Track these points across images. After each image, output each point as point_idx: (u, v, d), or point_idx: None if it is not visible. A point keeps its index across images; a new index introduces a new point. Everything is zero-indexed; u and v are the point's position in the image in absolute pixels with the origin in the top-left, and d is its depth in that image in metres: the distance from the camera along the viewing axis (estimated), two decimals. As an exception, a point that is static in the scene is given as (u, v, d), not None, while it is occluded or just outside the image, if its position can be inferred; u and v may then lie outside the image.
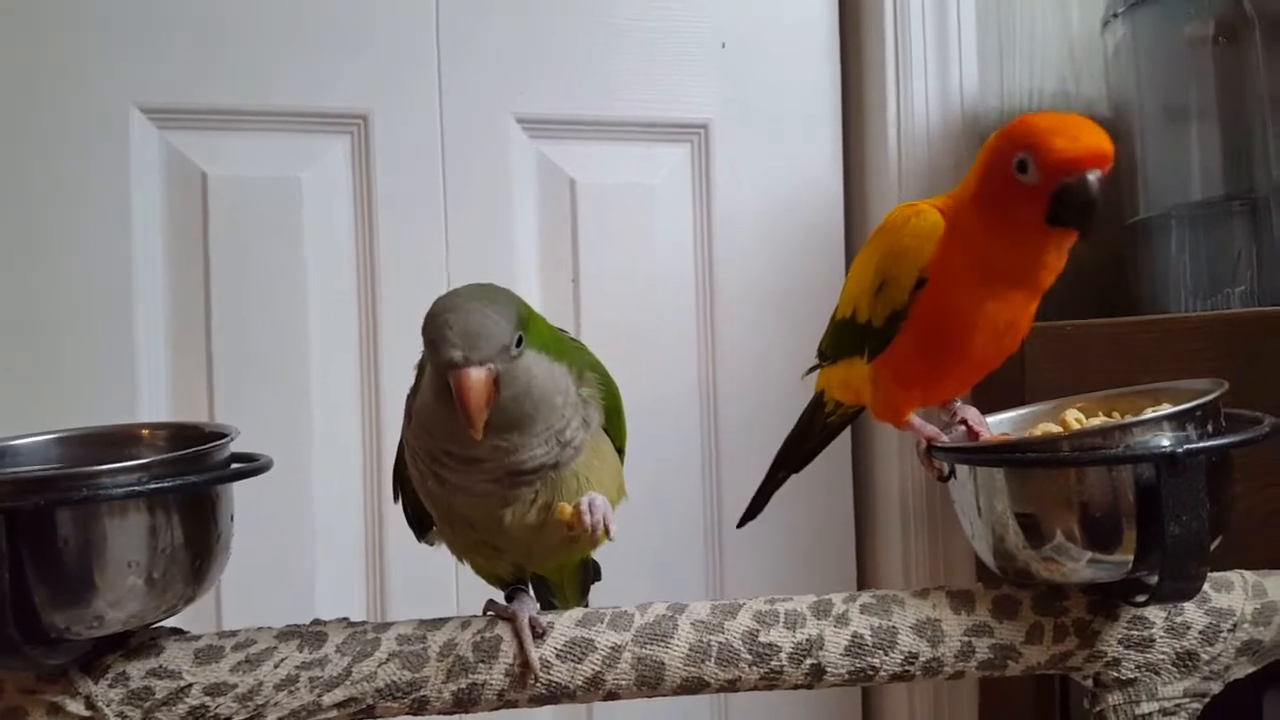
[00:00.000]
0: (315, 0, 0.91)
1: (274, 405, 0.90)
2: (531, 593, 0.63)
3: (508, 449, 0.53)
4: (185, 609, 0.56)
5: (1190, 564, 0.54)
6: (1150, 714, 0.58)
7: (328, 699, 0.55)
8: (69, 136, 0.86)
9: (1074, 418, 0.64)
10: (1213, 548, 0.55)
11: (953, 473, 0.64)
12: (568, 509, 0.55)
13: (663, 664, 0.57)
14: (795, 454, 0.80)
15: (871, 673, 0.58)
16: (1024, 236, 0.58)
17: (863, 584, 1.05)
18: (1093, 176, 0.55)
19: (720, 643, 0.57)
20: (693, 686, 0.57)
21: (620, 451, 0.63)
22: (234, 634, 0.57)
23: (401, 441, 0.60)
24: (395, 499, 0.63)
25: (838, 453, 1.03)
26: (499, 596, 0.61)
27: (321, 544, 0.91)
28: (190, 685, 0.54)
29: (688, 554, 1.00)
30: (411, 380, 0.58)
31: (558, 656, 0.57)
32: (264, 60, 0.90)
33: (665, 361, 1.00)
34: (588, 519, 0.55)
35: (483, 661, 0.56)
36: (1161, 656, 0.58)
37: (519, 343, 0.52)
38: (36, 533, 0.49)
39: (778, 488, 0.82)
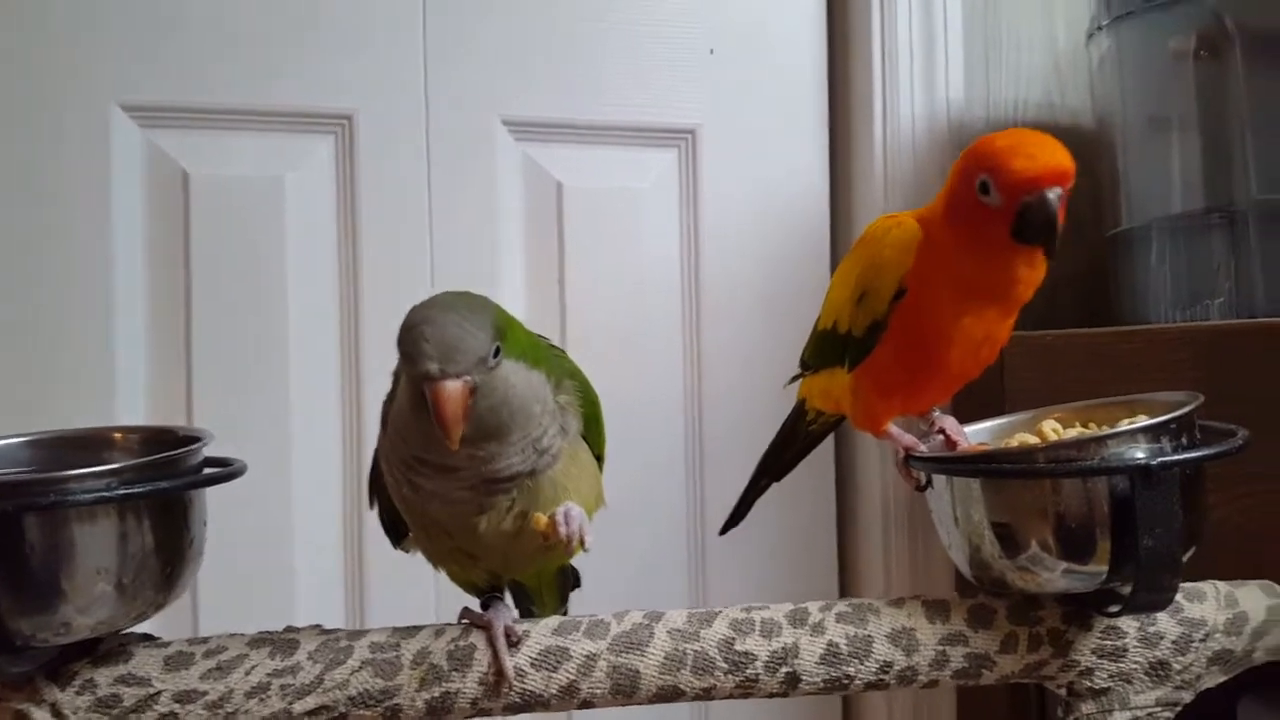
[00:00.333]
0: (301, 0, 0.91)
1: (253, 408, 0.89)
2: (509, 600, 0.63)
3: (484, 458, 0.53)
4: (160, 615, 0.55)
5: (1163, 575, 0.54)
6: (1123, 723, 0.58)
7: (299, 706, 0.54)
8: (49, 134, 0.85)
9: (1051, 429, 0.64)
10: (1186, 559, 0.55)
11: (930, 482, 0.64)
12: (543, 519, 0.55)
13: (638, 672, 0.57)
14: (777, 462, 0.80)
15: (847, 681, 0.58)
16: (992, 253, 0.59)
17: (845, 591, 1.05)
18: (1052, 195, 0.55)
19: (696, 651, 0.57)
20: (668, 695, 0.57)
21: (599, 459, 0.62)
22: (204, 641, 0.56)
23: (377, 448, 0.59)
24: (370, 505, 0.63)
25: (820, 460, 1.03)
26: (475, 604, 0.61)
27: (300, 549, 0.91)
28: (159, 692, 0.53)
29: (671, 560, 1.00)
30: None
31: (532, 665, 0.56)
32: (248, 59, 0.90)
33: (650, 366, 1.00)
34: (563, 530, 0.54)
35: (456, 670, 0.56)
36: (1134, 666, 0.58)
37: (496, 353, 0.51)
38: (2, 538, 0.48)
39: (760, 495, 0.82)
